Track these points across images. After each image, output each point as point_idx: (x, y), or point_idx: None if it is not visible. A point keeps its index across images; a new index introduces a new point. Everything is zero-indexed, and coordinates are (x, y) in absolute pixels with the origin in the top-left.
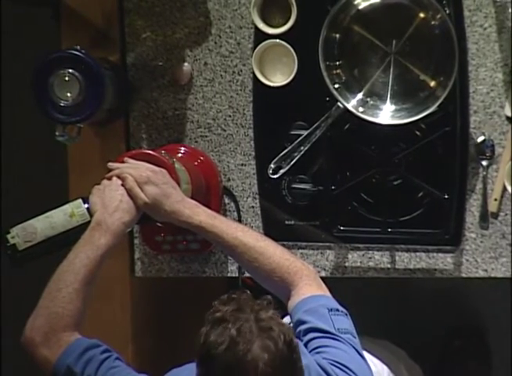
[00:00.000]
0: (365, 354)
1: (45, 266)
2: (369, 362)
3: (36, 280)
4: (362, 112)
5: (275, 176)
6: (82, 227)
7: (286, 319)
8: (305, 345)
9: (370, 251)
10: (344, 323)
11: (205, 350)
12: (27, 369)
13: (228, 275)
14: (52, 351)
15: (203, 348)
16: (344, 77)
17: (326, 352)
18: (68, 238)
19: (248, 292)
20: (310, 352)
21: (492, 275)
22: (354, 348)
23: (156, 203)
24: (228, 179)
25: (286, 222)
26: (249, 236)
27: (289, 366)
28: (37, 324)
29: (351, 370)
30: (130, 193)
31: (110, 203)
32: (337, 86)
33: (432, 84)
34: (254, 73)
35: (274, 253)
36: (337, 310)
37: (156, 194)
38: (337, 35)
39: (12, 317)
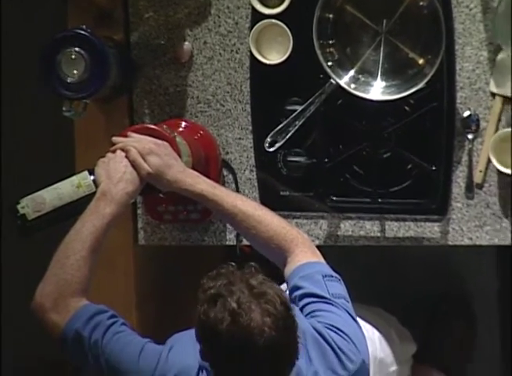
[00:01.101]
0: (358, 320)
1: (52, 236)
2: (362, 327)
3: (43, 250)
4: (353, 88)
5: (271, 149)
6: (88, 197)
7: (283, 287)
8: (301, 309)
9: (361, 221)
10: (337, 288)
11: (208, 328)
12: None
13: (227, 243)
14: (61, 316)
15: (205, 327)
16: (336, 56)
17: (321, 315)
18: (75, 208)
19: (233, 264)
20: (305, 316)
21: (477, 243)
22: (347, 312)
23: (159, 173)
24: (227, 152)
25: (282, 193)
26: (247, 205)
27: (289, 325)
28: (47, 291)
29: (344, 332)
30: (133, 165)
31: (115, 174)
32: (330, 64)
33: (420, 62)
34: (251, 51)
35: (271, 221)
36: (331, 276)
37: (159, 165)
38: (331, 15)
39: (23, 285)
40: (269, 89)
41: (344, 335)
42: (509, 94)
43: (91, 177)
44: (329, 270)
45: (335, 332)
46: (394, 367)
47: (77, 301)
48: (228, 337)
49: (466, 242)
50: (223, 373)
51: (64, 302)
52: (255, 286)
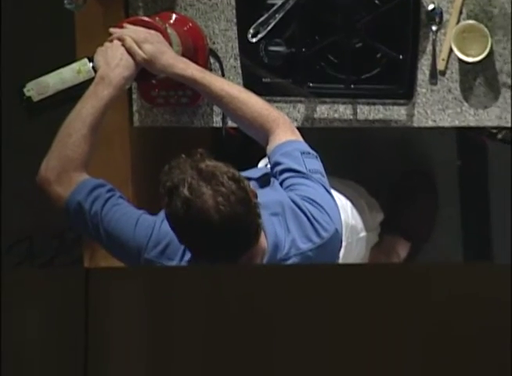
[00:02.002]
0: (332, 191)
1: (55, 117)
2: (335, 198)
3: (48, 130)
4: None
5: (254, 40)
6: (88, 82)
7: (264, 162)
8: (281, 183)
9: (335, 105)
10: (314, 164)
11: (170, 219)
12: None
13: (213, 125)
14: (64, 188)
15: (168, 218)
16: None
17: (299, 189)
18: (76, 92)
19: (183, 155)
20: (285, 189)
21: (440, 125)
22: (322, 186)
23: (153, 58)
24: (213, 43)
25: (264, 80)
26: (233, 89)
27: (241, 197)
28: (51, 165)
29: (319, 204)
30: (129, 52)
31: (112, 60)
32: None
33: None
34: None
35: (255, 103)
36: (309, 153)
37: (153, 51)
38: None
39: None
40: None
41: (318, 207)
42: None
43: (91, 64)
44: (307, 148)
45: (311, 204)
46: (363, 233)
47: (79, 176)
48: (188, 223)
49: (430, 124)
50: (195, 251)
51: (67, 176)
52: (203, 169)
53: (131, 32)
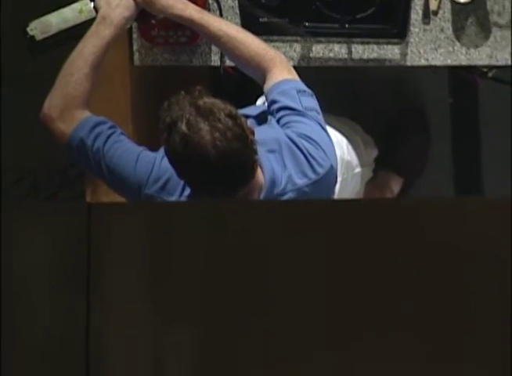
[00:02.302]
0: (328, 128)
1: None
2: (331, 134)
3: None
4: None
5: None
6: (89, 22)
7: (262, 100)
8: (277, 121)
9: (331, 44)
10: (310, 102)
11: (170, 155)
12: None
13: (212, 64)
14: (67, 125)
15: (168, 154)
16: None
17: (295, 126)
18: (78, 31)
19: (182, 92)
20: (281, 127)
21: (432, 63)
22: (318, 123)
23: None
24: None
25: (261, 20)
26: (231, 29)
27: (238, 134)
28: (54, 103)
29: (315, 141)
30: None
31: (113, 1)
32: None
33: None
34: None
35: (252, 43)
36: (305, 91)
37: None
38: None
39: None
40: None
41: (314, 143)
42: None
43: (92, 3)
44: (303, 86)
45: (307, 140)
46: (358, 169)
47: (81, 113)
48: (186, 158)
49: (423, 63)
50: (194, 186)
51: (69, 113)
52: (201, 106)
53: None
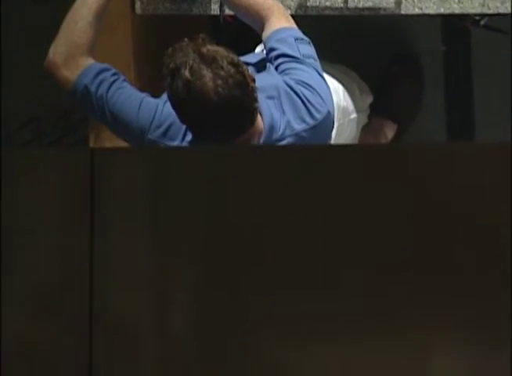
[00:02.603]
0: (325, 75)
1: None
2: (328, 81)
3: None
4: None
5: None
6: None
7: (260, 48)
8: (276, 68)
9: None
10: (307, 49)
11: (172, 100)
12: None
13: (212, 13)
14: (71, 72)
15: (170, 99)
16: None
17: (293, 73)
18: None
19: (186, 39)
20: (280, 74)
21: (426, 12)
22: (315, 70)
23: None
24: None
25: None
26: None
27: (239, 81)
28: (58, 50)
29: (312, 87)
30: None
31: None
32: None
33: None
34: None
35: None
36: (302, 39)
37: None
38: None
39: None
40: None
41: (312, 89)
42: None
43: None
44: (300, 34)
45: (304, 87)
46: (354, 115)
47: (85, 60)
48: (188, 103)
49: (417, 11)
50: (195, 131)
51: (74, 61)
52: (205, 53)
53: None
